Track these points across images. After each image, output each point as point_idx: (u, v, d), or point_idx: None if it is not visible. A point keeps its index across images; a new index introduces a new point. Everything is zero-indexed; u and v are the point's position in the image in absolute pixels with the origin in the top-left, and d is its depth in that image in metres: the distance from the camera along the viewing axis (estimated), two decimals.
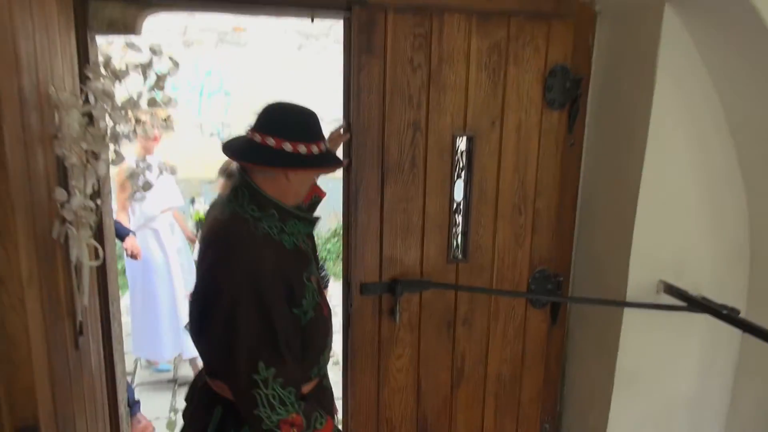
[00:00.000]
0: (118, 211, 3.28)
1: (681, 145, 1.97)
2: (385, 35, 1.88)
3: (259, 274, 1.35)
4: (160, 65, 1.35)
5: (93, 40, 1.74)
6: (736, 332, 2.10)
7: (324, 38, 6.54)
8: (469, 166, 2.06)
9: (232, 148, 1.43)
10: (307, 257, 1.52)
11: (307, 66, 6.58)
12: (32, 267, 1.06)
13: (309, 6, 1.88)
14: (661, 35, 1.85)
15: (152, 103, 1.35)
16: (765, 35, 1.61)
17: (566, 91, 2.08)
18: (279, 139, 1.37)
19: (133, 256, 3.25)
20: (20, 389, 1.03)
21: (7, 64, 0.98)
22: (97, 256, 1.40)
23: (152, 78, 1.35)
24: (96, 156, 1.27)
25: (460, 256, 2.13)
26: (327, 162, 1.46)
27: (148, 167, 1.44)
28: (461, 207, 2.11)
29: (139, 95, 1.34)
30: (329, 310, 1.60)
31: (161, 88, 1.36)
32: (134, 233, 3.27)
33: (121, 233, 3.21)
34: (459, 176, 2.08)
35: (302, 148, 1.38)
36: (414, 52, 1.92)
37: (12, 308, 0.99)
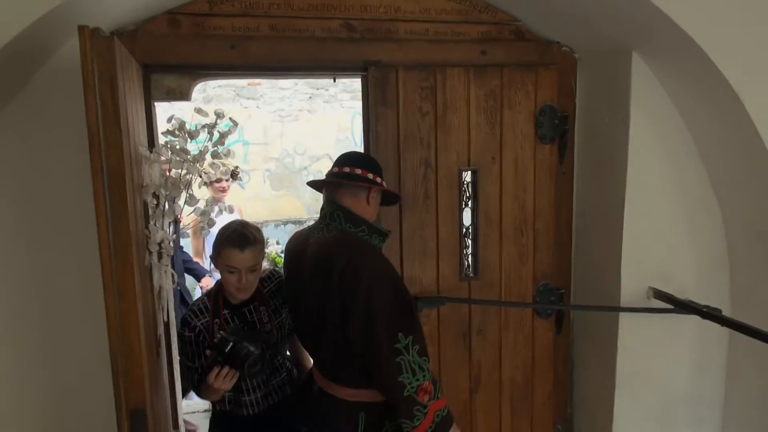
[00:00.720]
0: (194, 255, 3.67)
1: (657, 168, 2.27)
2: (397, 89, 2.23)
3: (388, 265, 1.67)
4: (221, 125, 1.69)
5: (153, 105, 2.10)
6: (723, 331, 2.36)
7: (333, 88, 6.97)
8: (475, 196, 2.38)
9: (319, 182, 1.84)
10: None
11: (318, 113, 6.99)
12: (138, 285, 1.37)
13: (332, 69, 2.24)
14: (631, 76, 2.18)
15: (215, 155, 1.69)
16: (715, 72, 1.93)
17: (555, 127, 2.41)
18: (363, 170, 1.78)
19: None
20: (132, 380, 1.33)
21: (124, 131, 1.31)
22: (173, 281, 1.71)
23: (216, 136, 1.69)
24: (173, 199, 1.60)
25: (471, 274, 2.42)
26: (392, 193, 1.89)
27: (212, 207, 1.76)
28: (470, 231, 2.41)
29: (206, 149, 1.67)
30: None
31: (222, 144, 1.70)
32: (210, 274, 3.64)
33: (199, 273, 3.64)
34: (466, 205, 2.40)
35: (377, 179, 1.80)
36: (422, 101, 2.26)
37: (128, 314, 1.29)
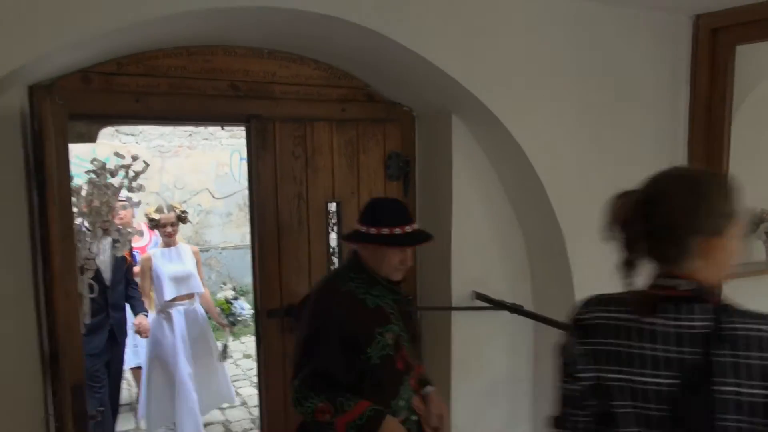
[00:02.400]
0: (142, 295, 3.91)
1: (475, 200, 3.00)
2: (274, 137, 2.78)
3: (321, 319, 1.87)
4: (136, 165, 2.13)
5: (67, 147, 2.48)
6: (529, 323, 3.12)
7: (212, 127, 7.34)
8: (339, 222, 2.97)
9: (349, 237, 2.05)
10: (387, 317, 1.98)
11: (198, 150, 7.32)
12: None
13: (222, 120, 2.75)
14: (452, 131, 2.90)
15: (130, 190, 2.13)
16: (503, 129, 2.68)
17: (400, 168, 3.08)
18: (375, 226, 1.94)
19: (140, 333, 3.91)
20: (74, 361, 1.73)
21: (64, 169, 1.73)
22: (92, 291, 2.09)
23: (131, 174, 2.13)
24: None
25: None
26: (400, 240, 1.95)
27: (127, 231, 2.18)
28: (335, 250, 2.99)
29: (121, 185, 2.11)
30: (407, 367, 2.00)
31: (136, 180, 2.14)
32: (146, 314, 3.92)
33: (137, 310, 3.90)
34: (332, 229, 2.98)
35: (385, 231, 1.92)
36: (295, 147, 2.83)
37: (71, 310, 1.70)
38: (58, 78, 2.36)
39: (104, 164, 2.04)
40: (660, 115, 3.10)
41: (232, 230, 7.57)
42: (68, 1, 1.91)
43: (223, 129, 2.80)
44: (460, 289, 3.02)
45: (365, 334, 1.89)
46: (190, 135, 7.23)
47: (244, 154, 7.31)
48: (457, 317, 3.03)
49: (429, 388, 2.14)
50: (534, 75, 2.72)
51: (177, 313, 4.00)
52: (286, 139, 2.80)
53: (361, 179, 2.99)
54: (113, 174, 2.03)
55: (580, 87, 2.84)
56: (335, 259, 3.02)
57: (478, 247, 3.04)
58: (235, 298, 7.27)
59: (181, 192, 7.13)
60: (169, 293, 3.95)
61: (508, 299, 3.04)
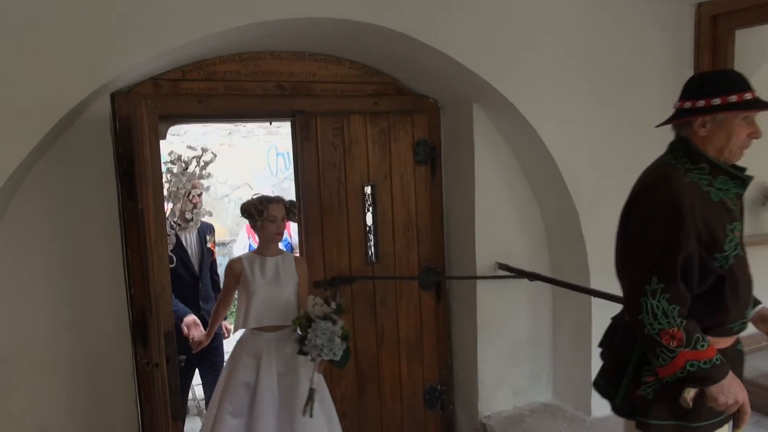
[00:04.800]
0: None
1: (495, 180, 3.34)
2: (316, 130, 3.16)
3: (677, 203, 1.57)
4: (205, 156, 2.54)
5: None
6: (548, 289, 3.45)
7: (250, 124, 7.77)
8: (374, 203, 3.35)
9: (674, 117, 1.76)
10: (732, 215, 1.69)
11: (237, 147, 7.77)
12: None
13: (270, 116, 3.15)
14: (473, 119, 3.25)
15: (200, 177, 2.54)
16: (520, 116, 3.02)
17: (427, 154, 3.44)
18: (691, 100, 1.69)
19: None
20: (166, 312, 2.14)
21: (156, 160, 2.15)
22: (171, 262, 2.51)
23: (201, 164, 2.54)
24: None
25: (373, 260, 3.37)
26: (758, 105, 1.63)
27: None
28: (371, 228, 3.37)
29: (194, 174, 2.52)
30: (749, 272, 1.74)
31: (205, 168, 2.55)
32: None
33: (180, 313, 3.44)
34: (368, 210, 3.36)
35: (733, 98, 1.62)
36: (334, 138, 3.21)
37: (162, 272, 2.11)
38: (134, 85, 2.78)
39: (179, 156, 2.45)
40: (665, 98, 3.36)
41: None
42: (149, 22, 2.33)
43: (270, 124, 3.20)
44: (484, 260, 3.36)
45: (719, 230, 1.63)
46: (230, 133, 7.68)
47: (280, 150, 7.82)
48: (481, 286, 3.38)
49: (762, 306, 1.87)
50: (547, 64, 3.05)
51: None
52: (326, 131, 3.18)
53: (393, 164, 3.36)
54: (187, 164, 2.45)
55: (590, 73, 3.16)
56: (371, 236, 3.39)
57: (499, 223, 3.37)
58: None
59: (224, 186, 7.60)
60: None
61: (528, 268, 3.37)
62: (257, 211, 2.65)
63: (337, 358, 2.45)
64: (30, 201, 2.43)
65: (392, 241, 3.40)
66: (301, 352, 2.47)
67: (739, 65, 3.38)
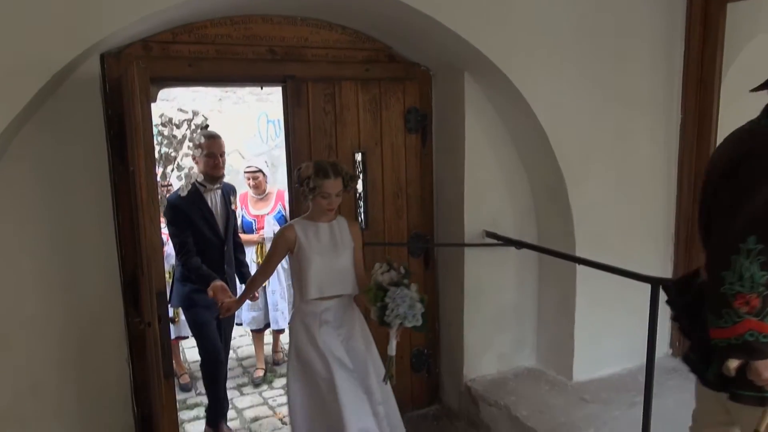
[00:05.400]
0: None
1: (485, 148, 3.36)
2: (307, 96, 3.16)
3: None
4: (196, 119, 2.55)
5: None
6: (534, 257, 3.51)
7: (240, 90, 7.71)
8: (364, 170, 3.37)
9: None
10: None
11: (227, 113, 7.72)
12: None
13: (261, 81, 3.14)
14: (464, 88, 3.26)
15: (192, 140, 2.55)
16: (509, 84, 3.03)
17: (418, 122, 3.45)
18: None
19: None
20: (157, 272, 2.17)
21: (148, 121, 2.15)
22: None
23: (193, 127, 2.55)
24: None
25: (364, 226, 3.41)
26: None
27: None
28: (362, 196, 3.40)
29: (185, 136, 2.53)
30: None
31: (197, 131, 2.56)
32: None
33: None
34: (359, 177, 3.38)
35: None
36: (325, 104, 3.21)
37: (155, 233, 2.14)
38: (124, 47, 2.76)
39: (170, 119, 2.45)
40: (656, 70, 3.41)
41: None
42: None
43: (261, 89, 3.19)
44: (472, 228, 3.41)
45: None
46: (220, 100, 7.60)
47: (271, 117, 7.76)
48: (469, 253, 3.43)
49: None
50: (538, 35, 3.06)
51: None
52: (318, 97, 3.18)
53: (384, 132, 3.37)
54: (178, 126, 2.45)
55: (582, 45, 3.16)
56: (361, 203, 3.42)
57: (488, 191, 3.41)
58: None
59: None
60: None
61: (515, 237, 3.43)
62: (309, 188, 2.50)
63: (420, 323, 2.40)
64: (18, 165, 2.43)
65: (382, 208, 3.43)
66: (383, 323, 2.39)
67: (730, 38, 3.41)
